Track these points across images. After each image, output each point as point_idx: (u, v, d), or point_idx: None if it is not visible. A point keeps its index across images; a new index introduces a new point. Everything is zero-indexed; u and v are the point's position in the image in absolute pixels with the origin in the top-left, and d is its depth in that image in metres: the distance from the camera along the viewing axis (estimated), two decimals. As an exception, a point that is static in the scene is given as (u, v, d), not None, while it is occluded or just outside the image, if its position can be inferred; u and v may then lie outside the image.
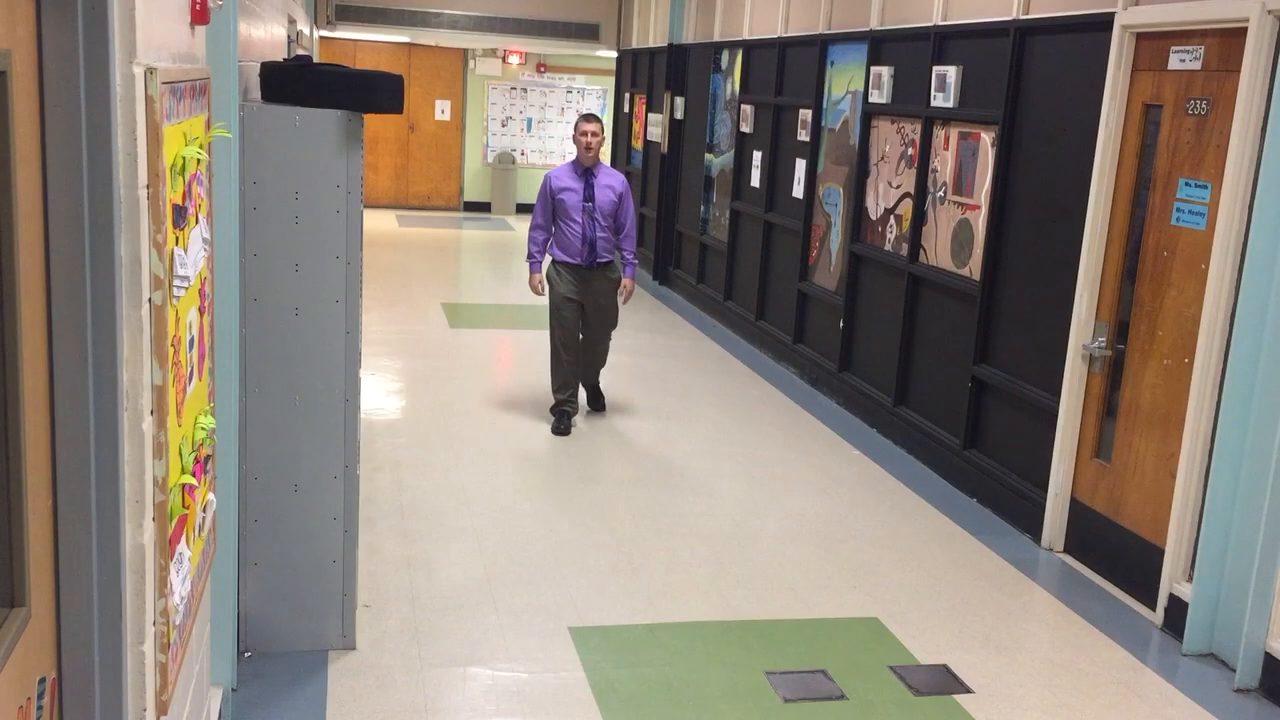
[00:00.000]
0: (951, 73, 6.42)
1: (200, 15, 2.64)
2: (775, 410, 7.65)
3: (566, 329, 6.79)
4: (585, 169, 6.75)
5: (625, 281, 6.89)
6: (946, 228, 6.52)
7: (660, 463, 6.33)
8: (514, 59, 17.29)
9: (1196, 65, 4.65)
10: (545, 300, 6.99)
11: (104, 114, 1.92)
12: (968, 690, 4.10)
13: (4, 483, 1.80)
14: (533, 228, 6.90)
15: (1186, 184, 4.67)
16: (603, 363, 7.19)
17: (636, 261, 7.01)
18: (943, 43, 6.63)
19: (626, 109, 14.35)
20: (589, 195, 6.71)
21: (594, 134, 6.74)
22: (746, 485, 6.11)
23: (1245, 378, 4.25)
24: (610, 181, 6.81)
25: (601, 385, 7.33)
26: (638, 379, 8.16)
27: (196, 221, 2.51)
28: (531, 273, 6.90)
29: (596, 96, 17.78)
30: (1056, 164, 5.54)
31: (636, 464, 6.27)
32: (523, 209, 17.64)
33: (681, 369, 8.47)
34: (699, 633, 4.39)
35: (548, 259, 6.91)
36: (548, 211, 6.80)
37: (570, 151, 18.13)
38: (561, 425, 6.77)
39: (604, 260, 6.79)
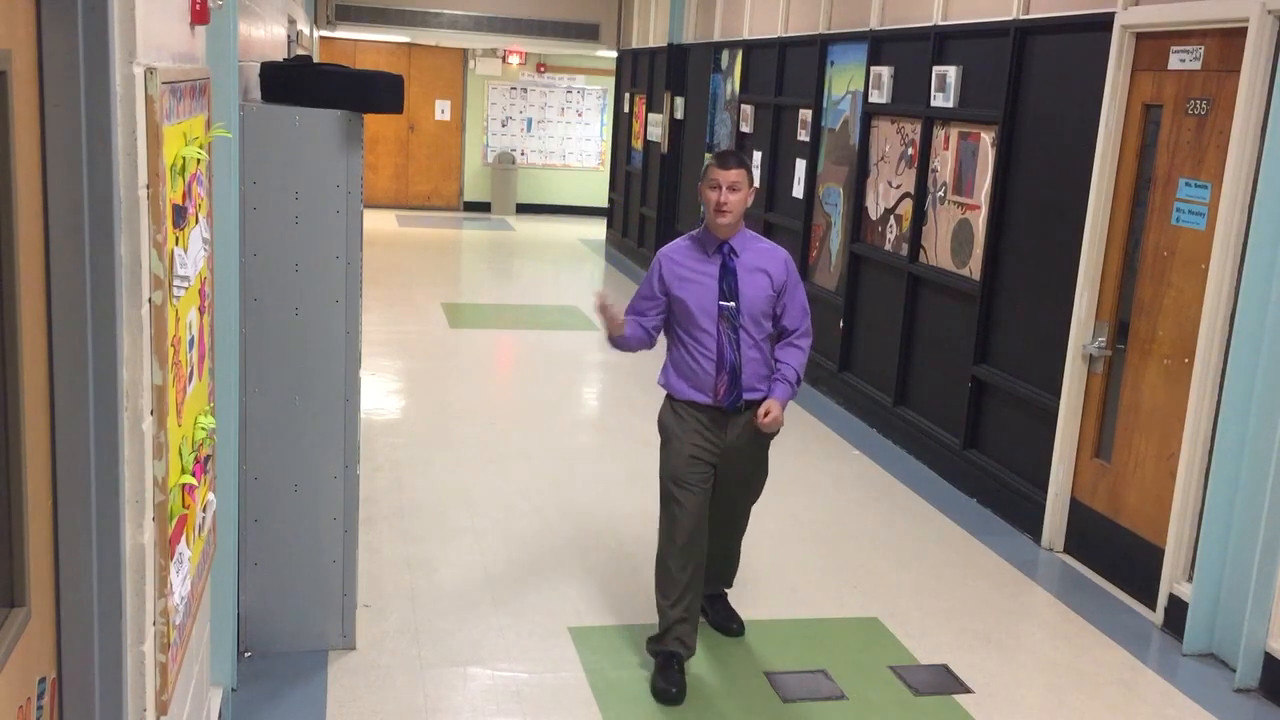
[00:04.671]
0: (951, 73, 6.41)
1: (200, 15, 2.64)
2: (775, 410, 7.64)
3: (690, 510, 3.97)
4: (719, 244, 3.98)
5: (769, 403, 3.93)
6: (946, 228, 6.52)
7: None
8: (514, 59, 17.29)
9: (1196, 65, 4.65)
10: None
11: (104, 114, 1.92)
12: (968, 690, 4.10)
13: (4, 483, 1.80)
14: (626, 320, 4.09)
15: (1186, 184, 4.67)
16: (735, 561, 4.47)
17: (798, 379, 4.04)
18: (943, 43, 6.63)
19: (626, 109, 14.35)
20: (729, 290, 3.93)
21: (733, 186, 3.89)
22: (746, 485, 6.10)
23: (1245, 378, 4.25)
24: (762, 262, 3.99)
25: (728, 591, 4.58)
26: (637, 379, 8.15)
27: (196, 221, 2.51)
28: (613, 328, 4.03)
29: (596, 96, 17.78)
30: (1056, 164, 5.54)
31: (636, 464, 6.26)
32: (523, 209, 17.65)
33: (681, 369, 8.47)
34: (699, 633, 4.39)
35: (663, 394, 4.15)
36: (658, 309, 4.06)
37: (563, 152, 18.18)
38: (669, 683, 3.94)
39: (755, 398, 4.00)
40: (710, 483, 4.03)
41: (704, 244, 4.00)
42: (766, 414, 3.91)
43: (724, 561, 4.40)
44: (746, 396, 3.96)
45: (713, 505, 4.12)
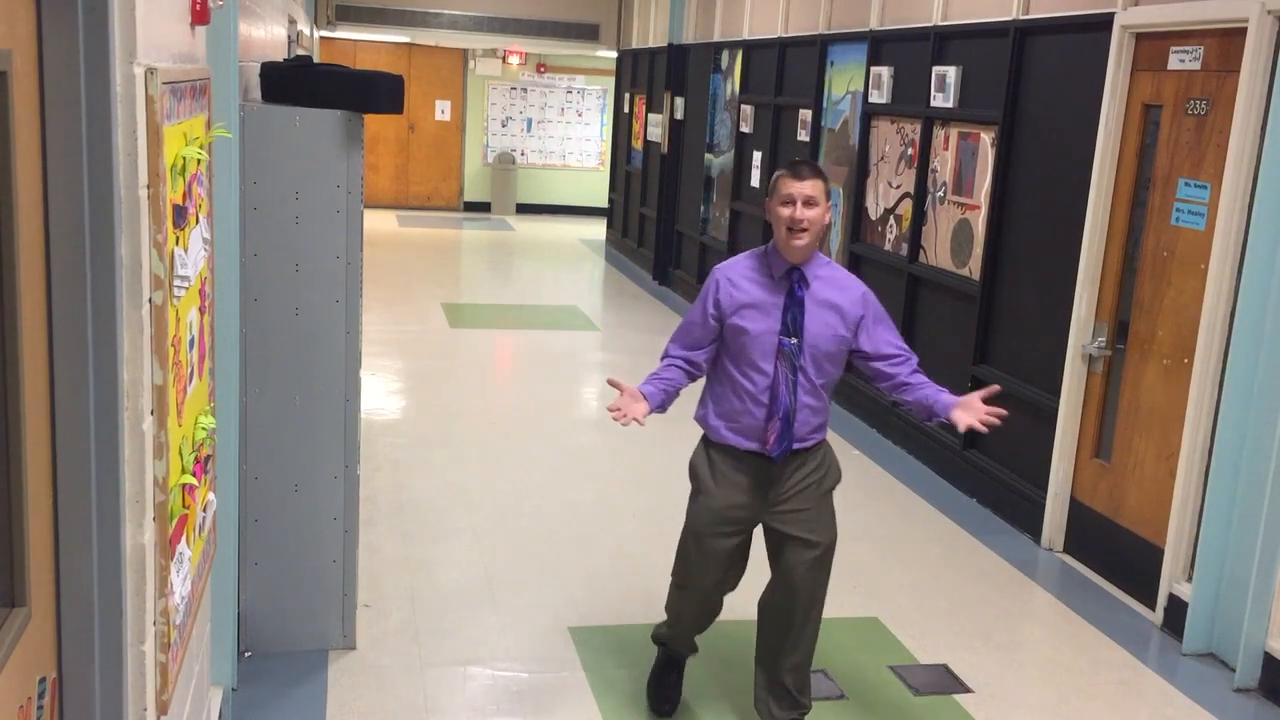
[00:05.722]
0: (951, 73, 6.42)
1: (200, 15, 2.64)
2: (775, 410, 7.64)
3: (711, 572, 3.57)
4: (788, 269, 3.42)
5: (970, 406, 3.35)
6: (946, 228, 6.52)
7: (660, 462, 6.33)
8: (514, 59, 17.30)
9: (1196, 65, 4.65)
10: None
11: (104, 114, 1.92)
12: (967, 690, 4.10)
13: (4, 483, 1.80)
14: (667, 349, 3.62)
15: (1186, 184, 4.67)
16: (810, 646, 3.63)
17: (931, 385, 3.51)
18: (943, 43, 6.63)
19: (626, 109, 14.35)
20: (792, 325, 3.39)
21: (810, 201, 3.35)
22: (746, 485, 6.10)
23: (1245, 377, 4.25)
24: (835, 296, 3.44)
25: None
26: (637, 379, 8.15)
27: (197, 221, 2.51)
28: (624, 390, 3.50)
29: (596, 96, 17.78)
30: (1056, 164, 5.54)
31: (636, 464, 6.26)
32: (523, 209, 17.64)
33: (681, 369, 8.47)
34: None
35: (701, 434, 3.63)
36: (710, 336, 3.50)
37: (563, 152, 18.17)
38: (664, 698, 3.82)
39: (807, 446, 3.48)
40: (742, 550, 3.58)
41: (770, 267, 3.42)
42: (978, 410, 3.32)
43: (792, 663, 3.58)
44: (797, 446, 3.42)
45: (772, 581, 3.60)
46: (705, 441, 3.58)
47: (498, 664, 4.08)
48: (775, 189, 3.41)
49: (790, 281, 3.40)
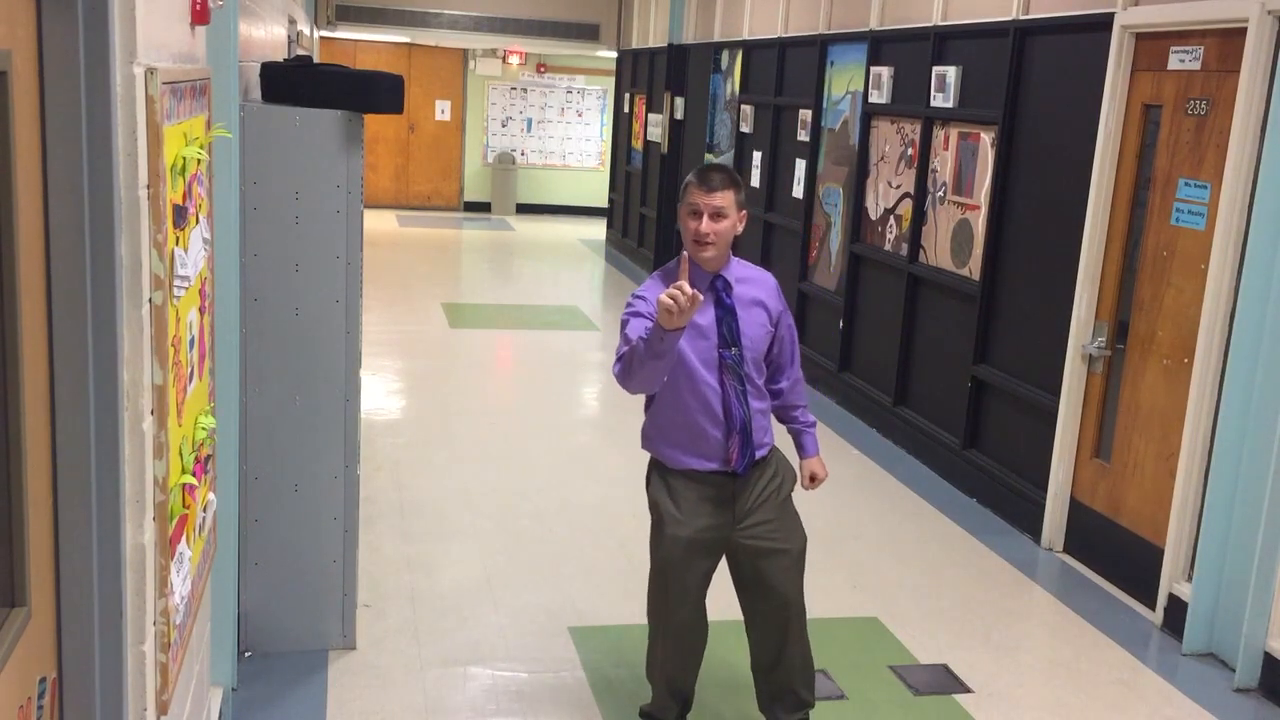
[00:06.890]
0: (951, 73, 6.42)
1: (200, 15, 2.64)
2: (775, 410, 7.64)
3: (688, 600, 3.44)
4: (710, 279, 3.28)
5: (808, 463, 3.61)
6: (946, 228, 6.52)
7: (660, 463, 6.34)
8: (514, 59, 17.30)
9: (1196, 65, 4.65)
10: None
11: (104, 114, 1.92)
12: (967, 690, 4.10)
13: (4, 483, 1.80)
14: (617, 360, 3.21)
15: (1186, 184, 4.67)
16: (807, 661, 3.58)
17: (814, 421, 3.65)
18: (942, 43, 6.63)
19: (626, 109, 14.35)
20: (730, 335, 3.27)
21: (718, 213, 3.21)
22: (746, 485, 6.10)
23: (1244, 378, 4.25)
24: (757, 293, 3.35)
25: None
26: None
27: (197, 221, 2.51)
28: (643, 336, 3.06)
29: (596, 96, 17.78)
30: (1056, 164, 5.54)
31: (636, 464, 6.25)
32: (523, 209, 17.65)
33: (681, 369, 8.46)
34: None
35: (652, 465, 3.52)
36: None
37: (563, 152, 18.17)
38: None
39: (763, 454, 3.42)
40: (710, 572, 3.46)
41: (691, 280, 3.06)
42: (813, 478, 3.57)
43: (789, 668, 3.52)
44: (757, 456, 3.36)
45: (750, 595, 3.52)
46: (660, 470, 3.42)
47: (498, 664, 4.08)
48: (685, 196, 3.26)
49: (716, 291, 3.27)
